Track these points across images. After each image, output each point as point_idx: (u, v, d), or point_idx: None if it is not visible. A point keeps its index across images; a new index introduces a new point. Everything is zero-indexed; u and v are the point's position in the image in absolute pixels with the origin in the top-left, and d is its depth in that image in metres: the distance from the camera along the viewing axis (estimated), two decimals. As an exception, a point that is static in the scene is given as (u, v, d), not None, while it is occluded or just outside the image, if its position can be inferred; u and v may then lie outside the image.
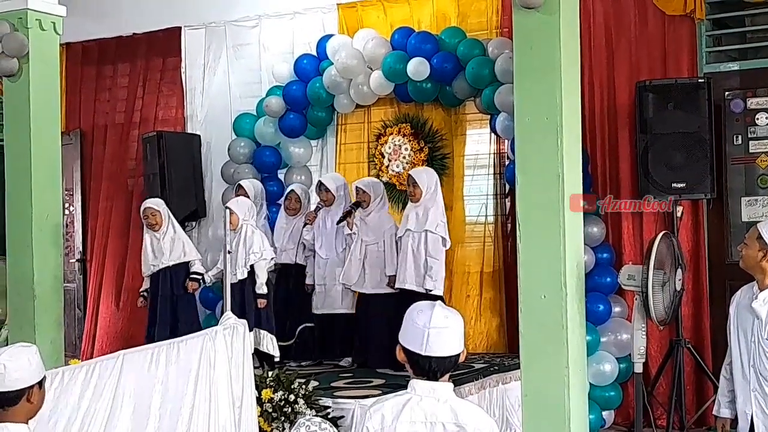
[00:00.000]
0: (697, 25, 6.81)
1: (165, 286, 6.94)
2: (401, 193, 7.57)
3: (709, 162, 6.44)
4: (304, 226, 7.18)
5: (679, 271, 5.55)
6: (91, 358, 7.27)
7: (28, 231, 6.74)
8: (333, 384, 6.15)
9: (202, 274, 7.02)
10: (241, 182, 7.50)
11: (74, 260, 9.33)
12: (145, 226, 7.06)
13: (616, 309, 6.76)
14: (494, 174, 7.57)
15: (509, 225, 7.38)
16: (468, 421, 2.81)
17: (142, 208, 7.04)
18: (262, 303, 6.67)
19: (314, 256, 7.17)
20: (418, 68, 7.24)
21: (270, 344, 6.67)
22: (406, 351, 2.87)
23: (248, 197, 7.28)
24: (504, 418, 6.31)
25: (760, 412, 4.17)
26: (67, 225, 9.08)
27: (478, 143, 7.70)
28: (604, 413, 6.70)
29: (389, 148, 7.88)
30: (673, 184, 6.46)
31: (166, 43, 8.87)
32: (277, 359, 6.72)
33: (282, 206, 7.48)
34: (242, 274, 6.57)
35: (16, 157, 6.88)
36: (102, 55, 9.33)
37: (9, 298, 6.90)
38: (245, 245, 6.60)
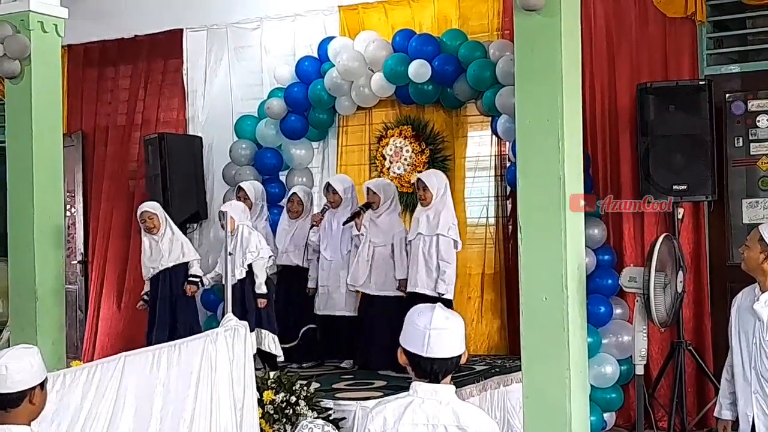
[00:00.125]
0: (697, 28, 6.81)
1: (164, 288, 6.96)
2: (403, 195, 7.57)
3: (710, 164, 6.44)
4: (310, 228, 7.18)
5: (681, 273, 5.55)
6: (93, 359, 7.28)
7: (30, 232, 6.74)
8: (334, 386, 6.15)
9: (200, 277, 7.03)
10: (241, 184, 7.50)
11: (76, 262, 9.34)
12: (142, 230, 7.06)
13: (617, 311, 6.76)
14: (495, 176, 7.57)
15: (510, 227, 7.38)
16: (470, 424, 2.81)
17: (138, 213, 7.05)
18: (262, 303, 6.68)
19: (318, 259, 7.17)
20: (419, 70, 7.25)
21: (272, 344, 6.68)
22: (407, 353, 2.87)
23: (249, 199, 7.31)
24: (505, 420, 6.31)
25: (762, 414, 4.17)
26: (68, 227, 9.09)
27: (479, 145, 7.70)
28: (605, 415, 6.70)
29: (390, 150, 7.88)
30: (674, 186, 6.46)
31: (167, 45, 8.88)
32: (281, 359, 6.72)
33: (284, 208, 7.49)
34: (240, 274, 6.57)
35: (18, 159, 6.88)
36: (104, 57, 9.34)
37: (10, 299, 6.91)
38: (242, 246, 6.61)
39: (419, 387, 2.87)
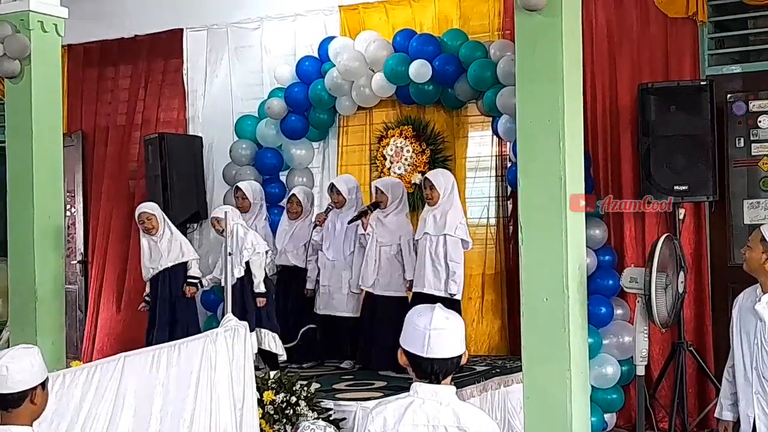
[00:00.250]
0: (699, 28, 6.80)
1: (164, 288, 6.95)
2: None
3: (711, 164, 6.43)
4: (314, 228, 7.16)
5: (682, 273, 5.54)
6: (92, 359, 7.28)
7: (30, 233, 6.74)
8: (335, 386, 6.15)
9: (199, 278, 7.03)
10: (239, 184, 7.49)
11: (75, 262, 9.34)
12: (141, 231, 7.05)
13: (618, 311, 6.75)
14: (496, 176, 7.56)
15: (511, 227, 7.37)
16: (470, 424, 2.80)
17: (136, 214, 7.03)
18: (261, 302, 6.68)
19: (317, 260, 7.15)
20: (419, 70, 7.24)
21: (273, 342, 6.68)
22: (407, 354, 2.87)
23: (247, 199, 7.32)
24: (506, 421, 6.31)
25: (763, 415, 4.16)
26: (68, 227, 9.09)
27: (479, 145, 7.69)
28: (606, 416, 6.70)
29: (391, 150, 7.88)
30: (675, 187, 6.45)
31: (167, 45, 8.88)
32: (284, 357, 6.71)
33: (285, 209, 7.49)
34: (239, 272, 6.57)
35: (18, 159, 6.88)
36: (104, 56, 9.34)
37: (10, 299, 6.91)
38: (238, 245, 6.61)
39: (419, 388, 2.86)
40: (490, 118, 7.40)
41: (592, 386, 6.13)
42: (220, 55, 8.61)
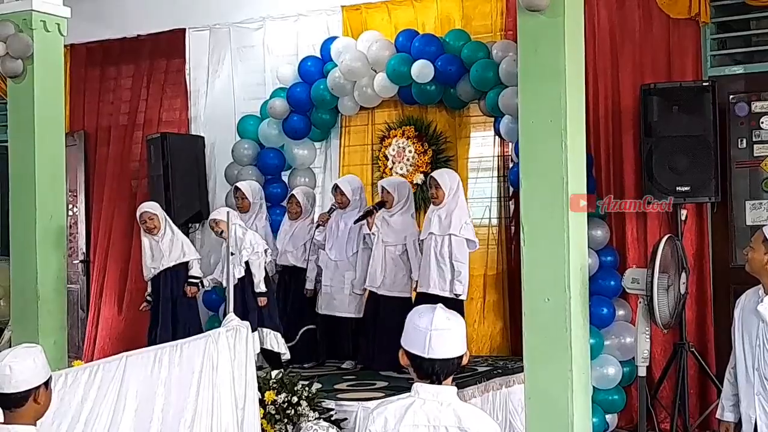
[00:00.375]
0: (701, 29, 6.80)
1: (166, 288, 6.96)
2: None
3: (714, 165, 6.42)
4: (317, 227, 7.16)
5: (683, 274, 5.54)
6: (94, 359, 7.27)
7: (32, 232, 6.75)
8: (336, 386, 6.15)
9: (200, 278, 7.03)
10: (238, 184, 7.50)
11: (77, 261, 9.34)
12: (143, 231, 7.05)
13: (620, 312, 6.75)
14: (498, 176, 7.56)
15: (513, 228, 7.37)
16: (471, 425, 2.80)
17: (138, 213, 7.03)
18: (262, 301, 6.69)
19: (317, 260, 7.15)
20: (422, 70, 7.24)
21: (274, 341, 6.68)
22: (408, 354, 2.87)
23: (246, 198, 7.33)
24: (507, 422, 6.31)
25: (764, 416, 4.16)
26: (70, 226, 9.08)
27: (482, 146, 7.69)
28: (607, 417, 6.69)
29: (393, 150, 7.88)
30: (677, 188, 6.44)
31: (170, 45, 8.89)
32: (287, 356, 6.70)
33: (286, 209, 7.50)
34: (239, 273, 6.57)
35: (20, 159, 6.89)
36: (106, 56, 9.35)
37: (12, 299, 6.92)
38: (237, 246, 6.61)
39: (421, 388, 2.86)
40: (492, 119, 7.39)
41: (594, 387, 6.12)
42: (222, 55, 8.62)
